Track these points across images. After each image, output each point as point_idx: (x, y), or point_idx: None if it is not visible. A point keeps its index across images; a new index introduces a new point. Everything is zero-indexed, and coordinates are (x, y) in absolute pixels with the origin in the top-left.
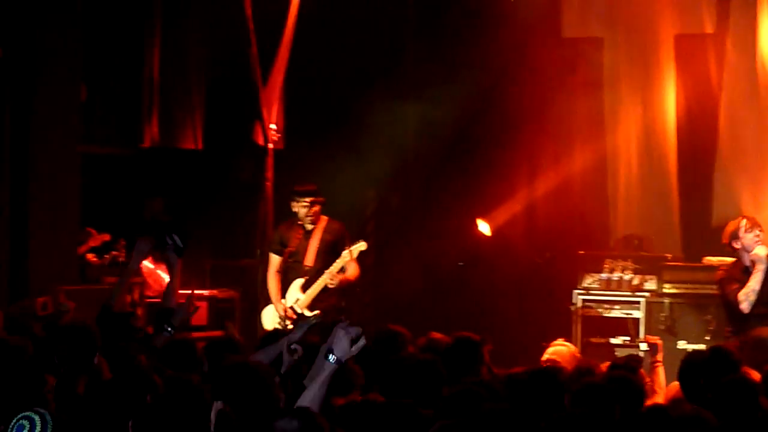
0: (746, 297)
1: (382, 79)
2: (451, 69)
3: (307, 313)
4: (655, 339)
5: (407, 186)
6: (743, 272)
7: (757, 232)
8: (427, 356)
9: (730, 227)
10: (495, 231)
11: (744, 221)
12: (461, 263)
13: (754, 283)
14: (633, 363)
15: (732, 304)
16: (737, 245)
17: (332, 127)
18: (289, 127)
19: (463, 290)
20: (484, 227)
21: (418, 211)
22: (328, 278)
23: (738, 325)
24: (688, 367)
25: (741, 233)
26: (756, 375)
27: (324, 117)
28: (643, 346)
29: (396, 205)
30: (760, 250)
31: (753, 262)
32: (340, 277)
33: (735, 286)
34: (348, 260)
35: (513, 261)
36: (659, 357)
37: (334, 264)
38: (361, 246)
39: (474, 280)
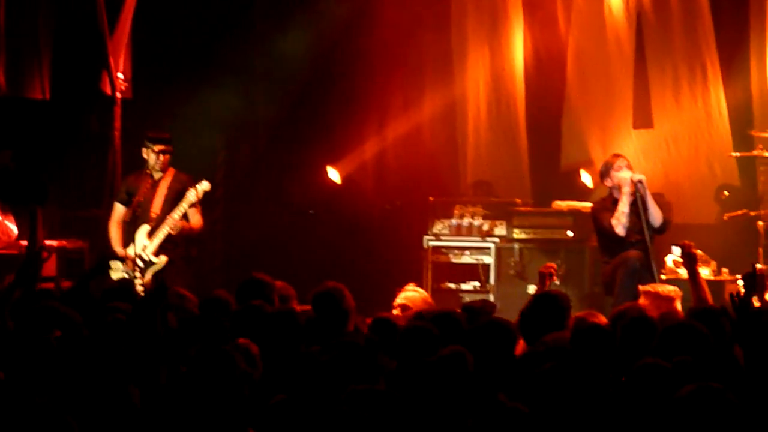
0: (618, 220)
1: (231, 28)
2: (299, 17)
3: (154, 260)
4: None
5: (256, 134)
6: (614, 203)
7: (624, 162)
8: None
9: (601, 166)
10: (345, 178)
11: (615, 158)
12: (311, 211)
13: (623, 205)
14: (488, 308)
15: (606, 231)
16: (608, 182)
17: (181, 77)
18: (137, 77)
19: (313, 238)
20: (334, 175)
21: (268, 159)
22: (170, 224)
23: (613, 253)
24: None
25: (611, 170)
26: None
27: (172, 66)
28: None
29: (245, 154)
30: (624, 174)
31: (620, 188)
32: (182, 224)
33: (607, 214)
34: (193, 201)
35: (363, 208)
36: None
37: (178, 207)
38: (205, 186)
39: (325, 227)
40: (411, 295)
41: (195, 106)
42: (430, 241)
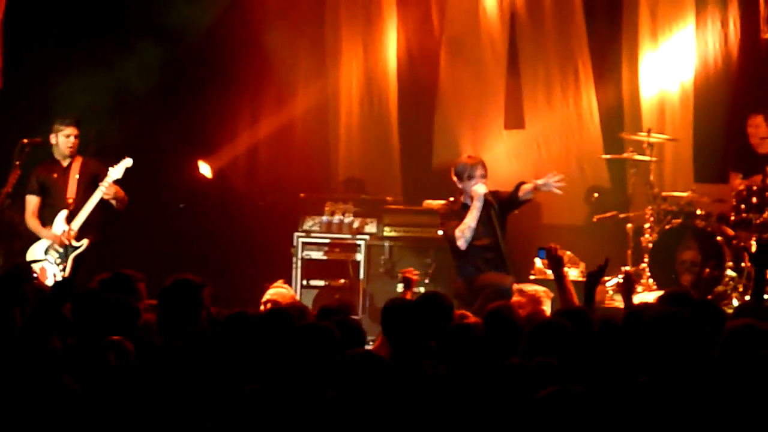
0: (462, 233)
1: (104, 15)
2: (174, 3)
3: (76, 243)
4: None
5: (127, 127)
6: (463, 208)
7: (482, 173)
8: None
9: (456, 165)
10: (216, 173)
11: (473, 165)
12: (182, 205)
13: (470, 219)
14: (345, 308)
15: (449, 240)
16: (460, 185)
17: (53, 67)
18: (7, 67)
19: (183, 232)
20: (205, 169)
21: (139, 152)
22: (103, 189)
23: (461, 257)
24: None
25: (467, 178)
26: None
27: (45, 56)
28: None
29: (116, 148)
30: (478, 188)
31: (472, 199)
32: (116, 188)
33: (453, 223)
34: (116, 178)
35: (234, 203)
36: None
37: (105, 180)
38: (127, 162)
39: (195, 222)
40: (280, 291)
41: (66, 97)
42: (300, 238)
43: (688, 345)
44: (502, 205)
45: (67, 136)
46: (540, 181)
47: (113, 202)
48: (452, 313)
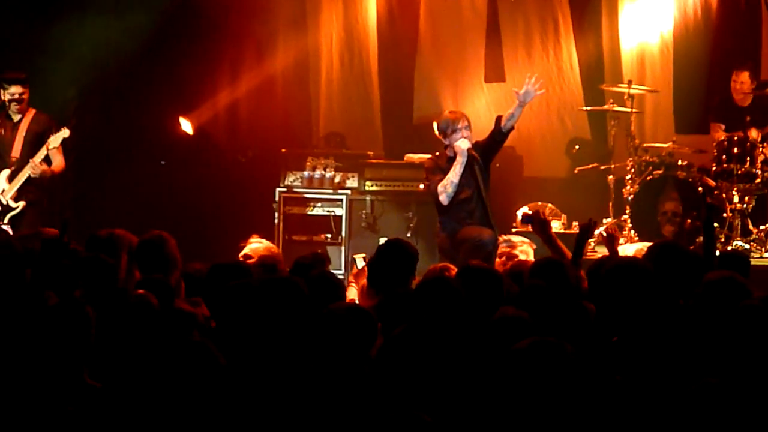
0: (444, 189)
1: None
2: None
3: (12, 204)
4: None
5: (108, 84)
6: (448, 162)
7: (465, 125)
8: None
9: (439, 121)
10: (197, 129)
11: (457, 119)
12: (163, 162)
13: (453, 175)
14: (320, 260)
15: (432, 194)
16: (445, 141)
17: (29, 28)
18: None
19: (166, 189)
20: (186, 125)
21: (120, 109)
22: (30, 168)
23: (446, 212)
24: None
25: (451, 132)
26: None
27: (20, 17)
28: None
29: (97, 104)
30: (462, 143)
31: (456, 154)
32: (44, 167)
33: (437, 178)
34: (52, 148)
35: (216, 159)
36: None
37: (39, 153)
38: (64, 133)
39: (177, 178)
40: (255, 246)
41: (44, 57)
42: (281, 193)
43: (650, 298)
44: (485, 153)
45: (12, 95)
46: (521, 91)
47: (33, 175)
48: (415, 260)
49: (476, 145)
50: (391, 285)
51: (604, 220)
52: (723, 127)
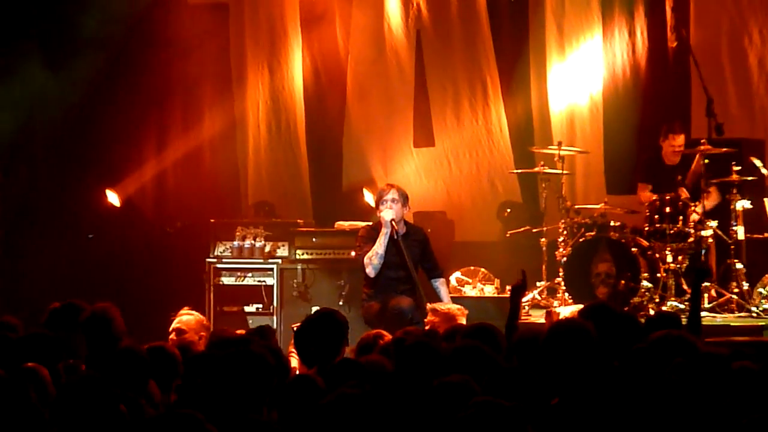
0: (370, 260)
1: (6, 46)
2: (77, 37)
3: None
4: None
5: (34, 156)
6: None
7: (392, 197)
8: None
9: (377, 193)
10: (124, 201)
11: (386, 190)
12: (90, 235)
13: (378, 246)
14: (266, 332)
15: (361, 267)
16: (378, 209)
17: None
18: None
19: (93, 263)
20: (113, 197)
21: (46, 182)
22: None
23: (370, 288)
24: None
25: (379, 203)
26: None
27: None
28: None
29: (22, 176)
30: (385, 214)
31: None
32: None
33: (368, 247)
34: None
35: (143, 231)
36: None
37: None
38: None
39: (104, 251)
40: (186, 318)
41: None
42: (212, 264)
43: (591, 358)
44: (422, 253)
45: None
46: None
47: None
48: (346, 329)
49: (419, 237)
50: (321, 356)
51: (537, 283)
52: (650, 187)
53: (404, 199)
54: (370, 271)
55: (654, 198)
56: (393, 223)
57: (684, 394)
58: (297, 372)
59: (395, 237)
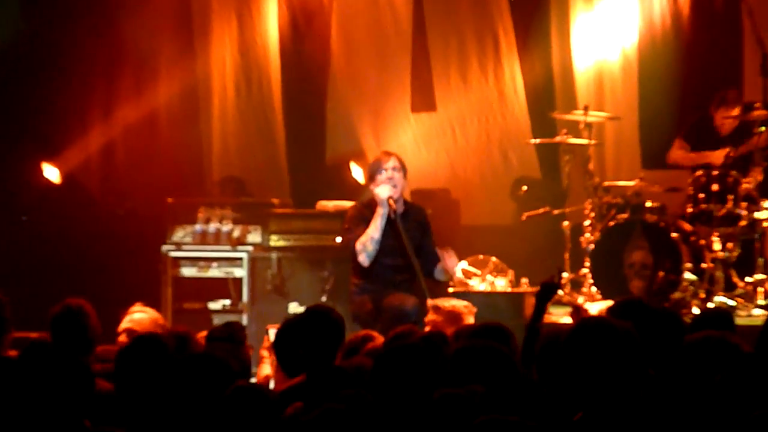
0: (363, 246)
1: None
2: None
3: None
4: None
5: None
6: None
7: (393, 166)
8: None
9: (370, 163)
10: (65, 177)
11: (384, 159)
12: (24, 217)
13: (373, 229)
14: (237, 330)
15: (351, 252)
16: (372, 186)
17: None
18: None
19: (27, 249)
20: (51, 173)
21: None
22: None
23: (360, 278)
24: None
25: (376, 174)
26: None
27: None
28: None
29: None
30: (381, 191)
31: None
32: None
33: (361, 229)
34: None
35: (88, 212)
36: None
37: None
38: None
39: (40, 236)
40: (139, 317)
41: None
42: (169, 252)
43: (626, 366)
44: (421, 238)
45: None
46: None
47: None
48: (342, 331)
49: (419, 215)
50: (311, 363)
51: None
52: (689, 147)
53: (404, 171)
54: (364, 260)
55: (698, 173)
56: (391, 201)
57: (732, 409)
58: (270, 380)
59: (392, 217)
